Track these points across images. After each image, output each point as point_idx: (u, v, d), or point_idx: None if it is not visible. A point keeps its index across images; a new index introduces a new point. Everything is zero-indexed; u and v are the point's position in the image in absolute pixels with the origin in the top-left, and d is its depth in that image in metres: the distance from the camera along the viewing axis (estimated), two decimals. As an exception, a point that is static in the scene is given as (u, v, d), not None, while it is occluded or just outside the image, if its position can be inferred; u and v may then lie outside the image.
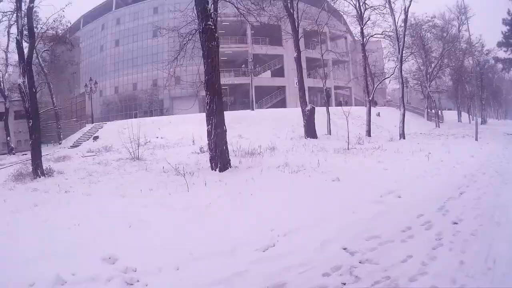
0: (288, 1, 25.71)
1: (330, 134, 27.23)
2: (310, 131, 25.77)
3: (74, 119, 37.70)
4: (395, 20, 27.62)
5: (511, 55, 36.94)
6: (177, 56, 16.64)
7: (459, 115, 58.18)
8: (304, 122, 25.93)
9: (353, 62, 54.10)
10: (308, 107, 25.83)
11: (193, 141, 23.20)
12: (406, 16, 27.27)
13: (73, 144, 29.59)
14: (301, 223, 7.32)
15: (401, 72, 28.35)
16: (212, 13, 13.77)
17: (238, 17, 16.51)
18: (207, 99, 13.36)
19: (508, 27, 35.78)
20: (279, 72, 53.03)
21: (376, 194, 9.43)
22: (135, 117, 43.21)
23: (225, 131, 13.71)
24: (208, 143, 13.85)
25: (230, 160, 13.88)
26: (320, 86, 54.77)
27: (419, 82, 51.36)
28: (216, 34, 13.62)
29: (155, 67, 52.15)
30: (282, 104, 51.75)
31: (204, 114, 14.67)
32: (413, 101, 70.37)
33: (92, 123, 38.10)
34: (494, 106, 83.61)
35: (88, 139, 30.34)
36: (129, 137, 19.32)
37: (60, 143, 31.34)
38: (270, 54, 50.93)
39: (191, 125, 26.68)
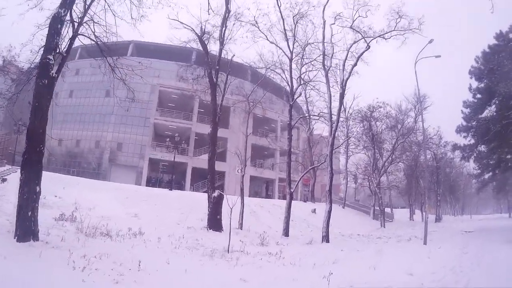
0: (213, 70, 21.62)
1: (241, 229, 21.99)
2: (214, 222, 20.36)
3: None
4: (330, 96, 22.62)
5: (472, 141, 31.28)
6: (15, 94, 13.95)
7: (412, 213, 52.95)
8: (208, 210, 20.87)
9: (305, 155, 48.67)
10: (215, 194, 21.04)
11: (75, 208, 18.35)
12: (343, 90, 22.17)
13: (-18, 182, 26.15)
14: None
15: (331, 159, 22.25)
16: (62, 48, 12.28)
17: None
18: (25, 148, 11.00)
19: (469, 109, 30.66)
20: (220, 156, 46.06)
21: None
22: (72, 175, 39.89)
23: (38, 192, 10.88)
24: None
25: (38, 230, 10.72)
26: (263, 176, 51.51)
27: (367, 177, 45.74)
28: (52, 72, 11.44)
29: (100, 128, 51.04)
30: (220, 190, 45.17)
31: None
32: (362, 198, 65.10)
33: (13, 165, 33.41)
34: (450, 202, 79.06)
35: (-3, 180, 27.08)
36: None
37: (-27, 180, 28.17)
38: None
39: (98, 193, 23.51)
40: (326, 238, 20.36)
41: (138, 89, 49.69)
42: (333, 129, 22.18)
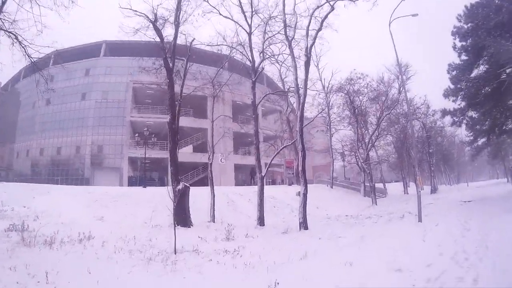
0: (168, 56, 19.43)
1: (214, 222, 19.97)
2: (181, 217, 17.68)
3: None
4: (295, 66, 19.67)
5: (462, 104, 27.82)
6: None
7: (405, 186, 49.08)
8: (174, 205, 17.21)
9: (290, 139, 45.48)
10: (180, 186, 18.50)
11: (36, 216, 17.36)
12: (308, 58, 18.99)
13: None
14: None
15: (301, 135, 19.17)
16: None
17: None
18: None
19: (455, 71, 27.30)
20: (202, 147, 43.78)
21: None
22: (57, 183, 38.99)
23: None
24: None
25: None
26: (248, 164, 47.92)
27: (353, 153, 42.50)
28: None
29: (79, 133, 48.94)
30: (205, 181, 42.74)
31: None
32: (355, 176, 61.85)
33: None
34: (445, 172, 75.06)
35: (-35, 195, 25.69)
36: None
37: None
38: (194, 127, 43.48)
39: (68, 199, 22.30)
40: (303, 224, 17.31)
41: (113, 89, 48.65)
42: (301, 102, 19.05)
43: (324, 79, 38.33)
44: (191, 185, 38.20)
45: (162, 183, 39.79)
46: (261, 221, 19.65)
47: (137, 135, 39.12)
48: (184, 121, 43.13)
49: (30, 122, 54.42)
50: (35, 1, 13.24)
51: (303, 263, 8.97)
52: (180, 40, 20.48)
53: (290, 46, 19.44)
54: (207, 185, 37.95)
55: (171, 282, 8.46)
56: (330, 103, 39.89)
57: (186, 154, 43.74)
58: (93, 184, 41.28)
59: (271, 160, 23.05)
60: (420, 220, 15.21)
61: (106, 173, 45.68)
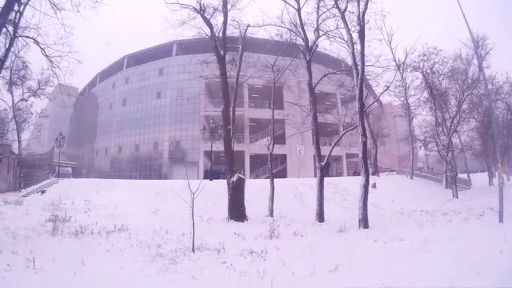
0: (218, 43, 19.20)
1: (272, 216, 18.52)
2: (236, 211, 17.19)
3: (47, 171, 35.63)
4: (351, 39, 17.07)
5: None
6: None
7: (490, 177, 41.83)
8: (228, 197, 17.62)
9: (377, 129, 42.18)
10: (234, 178, 17.59)
11: (88, 208, 18.72)
12: (362, 27, 16.26)
13: (27, 193, 26.28)
14: None
15: (361, 117, 16.31)
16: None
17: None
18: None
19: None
20: (279, 139, 41.83)
21: None
22: (135, 179, 42.05)
23: None
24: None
25: None
26: (333, 154, 45.05)
27: (433, 140, 37.56)
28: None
29: (156, 130, 50.40)
30: (282, 174, 42.44)
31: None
32: (438, 165, 56.13)
33: (58, 177, 33.49)
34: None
35: (38, 192, 26.26)
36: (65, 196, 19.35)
37: (20, 191, 28.90)
38: (270, 118, 41.12)
39: (129, 192, 23.33)
40: (363, 222, 14.66)
41: (187, 86, 48.50)
42: (358, 77, 16.36)
43: (399, 59, 34.60)
44: (267, 177, 37.18)
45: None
46: (319, 216, 17.40)
47: (202, 128, 38.60)
48: (260, 113, 44.33)
49: (108, 123, 57.20)
50: (56, 8, 14.00)
51: (328, 279, 7.16)
52: (233, 30, 20.60)
53: (343, 18, 17.25)
54: (285, 177, 36.65)
55: (151, 285, 7.64)
56: (407, 85, 36.49)
57: (263, 147, 42.92)
58: (172, 178, 41.97)
59: (332, 148, 20.61)
60: (501, 220, 12.27)
61: (184, 167, 45.63)
